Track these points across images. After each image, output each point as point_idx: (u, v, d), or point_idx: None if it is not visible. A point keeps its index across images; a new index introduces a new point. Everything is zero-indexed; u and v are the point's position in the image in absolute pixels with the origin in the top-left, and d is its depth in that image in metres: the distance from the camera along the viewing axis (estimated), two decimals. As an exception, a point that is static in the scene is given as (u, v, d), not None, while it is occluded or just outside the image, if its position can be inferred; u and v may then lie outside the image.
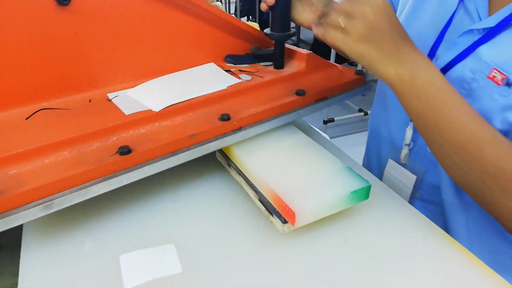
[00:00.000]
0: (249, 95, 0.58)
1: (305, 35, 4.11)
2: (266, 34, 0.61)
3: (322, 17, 0.44)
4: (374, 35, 0.41)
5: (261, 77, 0.61)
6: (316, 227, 0.47)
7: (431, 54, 0.56)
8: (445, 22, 0.55)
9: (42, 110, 0.48)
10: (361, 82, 0.68)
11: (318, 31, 0.45)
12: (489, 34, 0.49)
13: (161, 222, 0.49)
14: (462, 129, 0.41)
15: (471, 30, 0.51)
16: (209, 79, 0.58)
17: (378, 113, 0.72)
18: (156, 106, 0.50)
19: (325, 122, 2.41)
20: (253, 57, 0.66)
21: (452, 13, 0.54)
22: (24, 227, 0.48)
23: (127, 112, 0.49)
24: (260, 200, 0.49)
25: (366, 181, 0.47)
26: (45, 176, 0.40)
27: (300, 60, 0.65)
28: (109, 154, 0.44)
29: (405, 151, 0.62)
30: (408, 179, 0.63)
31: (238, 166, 0.54)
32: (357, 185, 0.47)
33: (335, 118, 2.42)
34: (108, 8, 0.51)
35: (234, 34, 0.65)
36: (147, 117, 0.49)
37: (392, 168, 0.66)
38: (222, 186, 0.56)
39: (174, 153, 0.48)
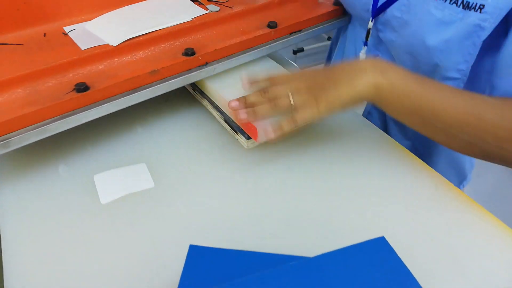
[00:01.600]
0: (217, 27, 0.55)
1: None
2: (235, -42, 0.57)
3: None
4: (321, 84, 0.43)
5: (231, 7, 0.57)
6: (278, 142, 0.49)
7: None
8: None
9: (-7, 45, 0.46)
10: (339, 14, 0.64)
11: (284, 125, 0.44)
12: None
13: (131, 145, 0.51)
14: (458, 108, 0.41)
15: None
16: (173, 10, 0.55)
17: (341, 44, 0.70)
18: (114, 40, 0.47)
19: (294, 52, 2.27)
20: (224, -14, 0.62)
21: None
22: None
23: (83, 46, 0.46)
24: (225, 120, 0.51)
25: None
26: (-2, 115, 0.40)
27: (273, -12, 0.61)
28: (65, 91, 0.43)
29: None
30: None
31: (203, 90, 0.54)
32: None
33: (304, 48, 2.27)
34: None
35: (202, -41, 0.60)
36: (104, 52, 0.46)
37: None
38: (187, 110, 0.57)
39: (134, 90, 0.46)
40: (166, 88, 0.49)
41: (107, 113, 0.45)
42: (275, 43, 0.57)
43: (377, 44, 0.60)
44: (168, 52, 0.50)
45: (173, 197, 0.44)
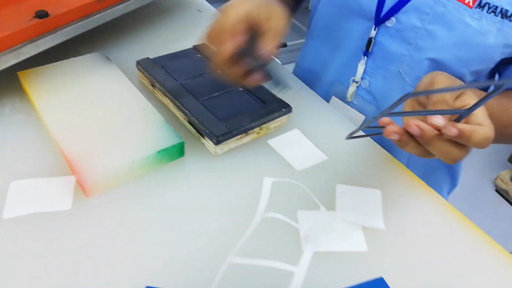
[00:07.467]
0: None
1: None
2: None
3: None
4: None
5: None
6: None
7: None
8: None
9: None
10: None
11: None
12: None
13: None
14: None
15: None
16: None
17: (315, 48, 0.64)
18: (57, -28, 0.52)
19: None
20: None
21: None
22: None
23: (29, -22, 0.50)
24: (189, 122, 0.48)
25: (179, 137, 0.44)
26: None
27: None
28: (27, 19, 0.47)
29: (352, 88, 0.58)
30: (355, 119, 0.58)
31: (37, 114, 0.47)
32: (165, 143, 0.43)
33: (287, 43, 2.09)
34: None
35: None
36: (52, -17, 0.51)
37: (336, 106, 0.60)
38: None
39: (87, 16, 0.53)
40: (111, 16, 0.56)
41: (68, 37, 0.51)
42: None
43: (379, 56, 0.54)
44: (106, -17, 0.57)
45: (86, 223, 0.37)
